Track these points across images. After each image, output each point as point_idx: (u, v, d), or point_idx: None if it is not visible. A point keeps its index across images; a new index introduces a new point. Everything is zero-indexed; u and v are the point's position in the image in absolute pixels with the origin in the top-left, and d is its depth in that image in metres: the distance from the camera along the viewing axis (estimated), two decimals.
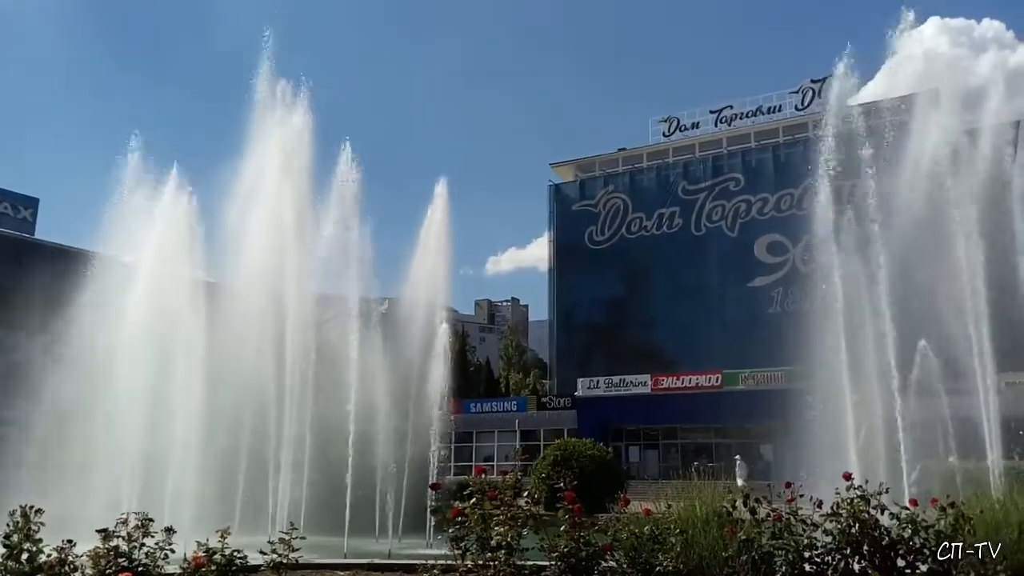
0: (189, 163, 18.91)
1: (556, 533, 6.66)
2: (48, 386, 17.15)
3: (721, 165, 56.30)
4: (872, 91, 53.99)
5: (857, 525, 6.50)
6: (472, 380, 75.38)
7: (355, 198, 19.07)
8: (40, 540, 6.06)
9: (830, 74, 19.87)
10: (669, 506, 7.86)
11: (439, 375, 18.86)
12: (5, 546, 5.82)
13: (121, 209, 17.96)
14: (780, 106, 56.57)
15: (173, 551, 6.59)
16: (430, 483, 15.33)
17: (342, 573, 9.20)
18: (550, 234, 61.72)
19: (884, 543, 6.46)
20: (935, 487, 11.67)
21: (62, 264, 19.20)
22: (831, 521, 6.63)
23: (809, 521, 6.75)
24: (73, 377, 16.56)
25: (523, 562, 6.56)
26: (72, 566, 6.00)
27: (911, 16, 19.24)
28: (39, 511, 6.04)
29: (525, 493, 7.90)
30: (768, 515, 6.85)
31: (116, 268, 17.76)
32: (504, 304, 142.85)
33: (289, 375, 17.16)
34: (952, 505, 6.66)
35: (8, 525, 5.93)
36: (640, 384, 48.31)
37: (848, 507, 6.59)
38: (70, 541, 6.11)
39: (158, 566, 6.48)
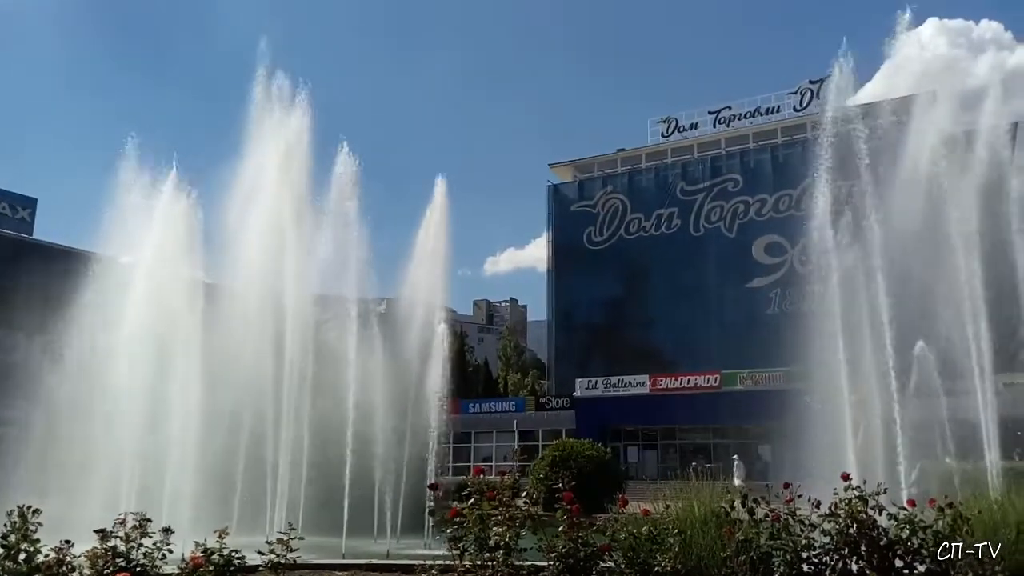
0: (189, 163, 18.93)
1: (554, 533, 6.66)
2: (47, 386, 17.15)
3: (719, 166, 56.36)
4: (871, 92, 54.21)
5: (855, 525, 6.51)
6: (470, 380, 75.36)
7: (354, 198, 19.08)
8: (38, 540, 6.05)
9: (828, 75, 19.86)
10: (667, 506, 7.86)
11: (437, 375, 18.87)
12: (2, 546, 5.81)
13: (120, 209, 17.98)
14: (778, 107, 56.63)
15: (171, 551, 6.58)
16: (428, 483, 15.32)
17: (340, 573, 9.21)
18: (549, 234, 61.78)
19: (882, 543, 6.46)
20: (933, 487, 11.69)
21: (60, 264, 19.23)
22: (829, 521, 6.63)
23: (807, 521, 6.75)
24: (72, 377, 16.58)
25: (521, 562, 6.56)
26: (70, 566, 5.99)
27: (909, 17, 19.29)
28: (36, 511, 6.03)
29: (523, 493, 7.90)
30: (766, 515, 6.85)
31: (115, 268, 17.77)
32: (503, 304, 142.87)
33: (287, 375, 17.16)
34: (950, 506, 6.66)
35: (5, 525, 5.91)
36: (638, 384, 48.32)
37: (846, 507, 6.59)
38: (68, 541, 6.10)
39: (156, 566, 6.47)
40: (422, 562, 7.96)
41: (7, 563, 5.79)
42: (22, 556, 5.87)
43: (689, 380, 47.13)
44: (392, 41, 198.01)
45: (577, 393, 50.11)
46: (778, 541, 6.66)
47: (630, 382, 48.63)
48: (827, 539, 6.63)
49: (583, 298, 57.62)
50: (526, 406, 54.78)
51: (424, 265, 21.36)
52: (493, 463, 48.65)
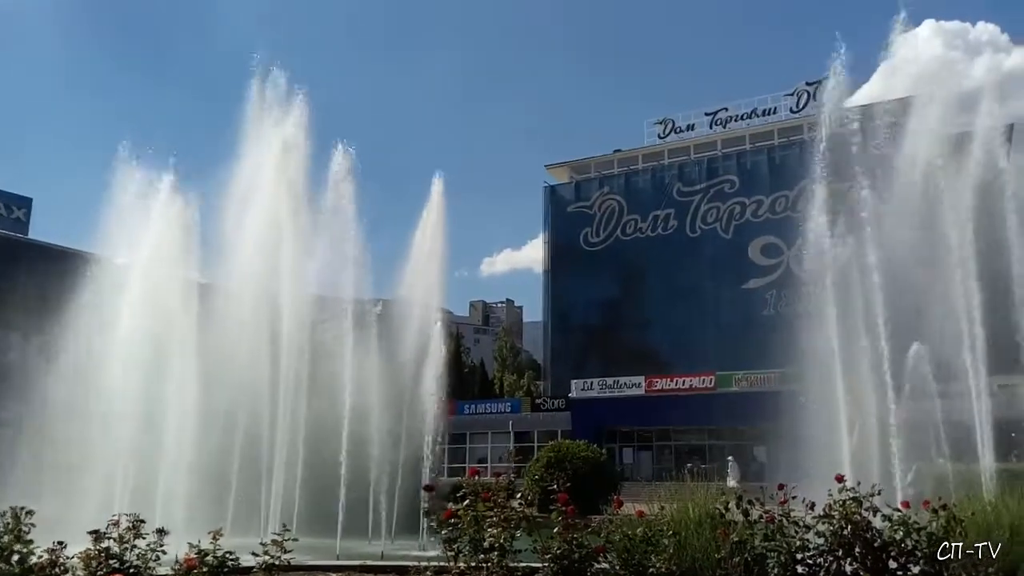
0: (186, 163, 18.93)
1: (549, 535, 6.67)
2: (42, 387, 17.12)
3: (716, 167, 56.44)
4: (868, 93, 54.32)
5: (849, 527, 6.53)
6: (466, 381, 75.43)
7: (350, 198, 19.06)
8: (31, 541, 6.04)
9: (825, 76, 19.88)
10: (662, 508, 7.88)
11: (433, 376, 18.84)
12: None
13: (117, 210, 17.97)
14: (775, 108, 56.75)
15: (165, 553, 6.57)
16: (424, 484, 15.30)
17: (335, 575, 9.20)
18: (545, 235, 61.81)
19: (876, 545, 6.48)
20: (928, 489, 11.71)
21: (56, 265, 19.18)
22: (823, 523, 6.65)
23: (802, 523, 6.77)
24: (67, 378, 16.54)
25: (516, 564, 6.56)
26: (63, 568, 5.99)
27: (905, 19, 19.32)
28: (30, 512, 6.03)
29: (519, 495, 7.91)
30: (761, 517, 6.87)
31: (111, 269, 17.74)
32: (499, 305, 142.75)
33: (283, 376, 17.14)
34: (944, 507, 6.68)
35: None
36: (634, 386, 48.37)
37: (840, 509, 6.61)
38: (61, 543, 6.10)
39: (149, 568, 6.46)
40: (417, 564, 7.95)
41: (1, 564, 5.78)
42: (15, 557, 5.87)
43: (685, 381, 47.20)
44: (389, 41, 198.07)
45: (573, 394, 50.14)
46: (772, 542, 6.68)
47: (626, 383, 48.68)
48: (821, 540, 6.65)
49: (579, 299, 57.64)
50: (522, 407, 54.83)
51: (420, 265, 21.33)
52: (488, 464, 48.72)
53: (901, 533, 6.52)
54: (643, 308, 54.64)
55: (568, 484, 8.35)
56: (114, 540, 6.43)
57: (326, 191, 19.31)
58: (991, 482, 12.82)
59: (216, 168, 20.22)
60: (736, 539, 6.66)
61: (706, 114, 58.81)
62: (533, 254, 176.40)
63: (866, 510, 6.59)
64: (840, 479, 6.86)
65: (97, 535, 6.39)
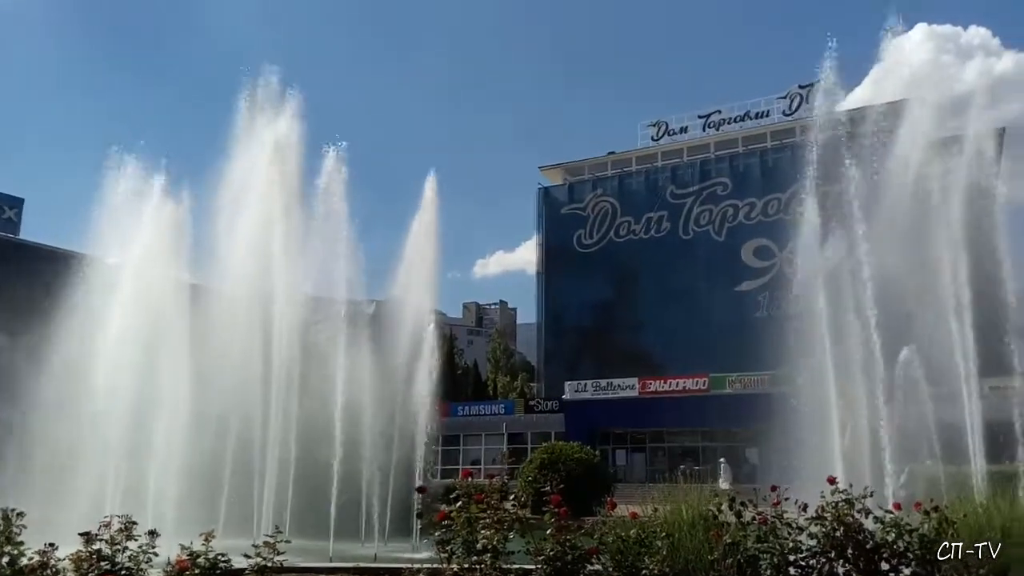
0: (179, 164, 18.92)
1: (542, 536, 6.65)
2: (32, 387, 17.02)
3: (709, 170, 56.56)
4: (860, 96, 54.50)
5: (841, 528, 6.53)
6: (460, 383, 75.35)
7: (343, 199, 19.03)
8: (22, 543, 6.01)
9: (818, 79, 19.93)
10: (655, 509, 7.88)
11: (426, 378, 18.82)
12: None
13: (108, 210, 17.90)
14: (768, 111, 56.92)
15: (156, 554, 6.53)
16: (416, 486, 15.28)
17: None
18: (538, 237, 61.83)
19: (868, 547, 6.49)
20: (920, 491, 11.75)
21: (47, 265, 19.09)
22: (816, 524, 6.65)
23: (794, 524, 6.78)
24: (58, 378, 16.46)
25: (509, 565, 6.54)
26: (54, 569, 5.95)
27: (898, 23, 19.40)
28: (20, 514, 5.99)
29: (512, 496, 7.90)
30: (753, 518, 6.87)
31: (102, 269, 17.68)
32: (492, 307, 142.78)
33: (275, 377, 17.09)
34: (936, 509, 6.69)
35: None
36: (627, 387, 48.37)
37: (833, 511, 6.62)
38: (52, 544, 6.06)
39: (141, 569, 6.42)
40: (410, 566, 7.95)
41: None
42: (5, 559, 5.84)
43: (678, 383, 47.21)
44: (382, 44, 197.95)
45: (566, 396, 50.13)
46: (765, 544, 6.68)
47: (619, 385, 48.69)
48: (814, 542, 6.65)
49: (573, 301, 57.67)
50: (515, 409, 54.78)
51: (413, 267, 21.28)
52: (482, 466, 48.69)
53: (893, 535, 6.54)
54: (636, 310, 54.70)
55: (561, 486, 8.32)
56: (105, 542, 6.39)
57: (318, 191, 19.29)
58: (982, 484, 12.87)
59: (208, 168, 20.19)
60: (729, 541, 6.66)
61: (699, 117, 58.97)
62: (526, 256, 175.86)
63: (858, 512, 6.60)
64: (832, 481, 6.87)
65: (88, 537, 6.35)
